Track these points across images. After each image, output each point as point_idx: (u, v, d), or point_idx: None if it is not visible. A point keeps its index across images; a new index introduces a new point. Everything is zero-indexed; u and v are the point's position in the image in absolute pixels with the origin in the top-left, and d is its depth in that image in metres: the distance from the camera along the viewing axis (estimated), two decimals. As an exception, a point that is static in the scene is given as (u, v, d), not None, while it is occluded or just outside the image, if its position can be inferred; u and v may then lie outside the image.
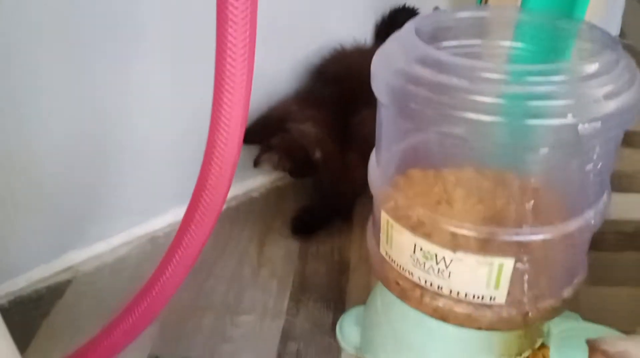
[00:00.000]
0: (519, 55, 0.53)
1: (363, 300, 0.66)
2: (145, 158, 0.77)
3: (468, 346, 0.50)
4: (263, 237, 0.80)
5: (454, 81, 0.40)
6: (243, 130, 0.46)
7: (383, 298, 0.56)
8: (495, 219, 0.43)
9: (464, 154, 0.46)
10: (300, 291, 0.71)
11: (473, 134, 0.40)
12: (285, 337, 0.64)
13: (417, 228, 0.45)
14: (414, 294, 0.48)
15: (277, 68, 0.85)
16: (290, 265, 0.75)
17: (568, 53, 0.53)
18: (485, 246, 0.42)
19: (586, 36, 0.48)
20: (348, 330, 0.63)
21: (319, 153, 0.75)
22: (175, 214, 0.84)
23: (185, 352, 0.62)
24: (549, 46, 0.53)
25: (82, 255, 0.77)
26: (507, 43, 0.54)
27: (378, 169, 0.51)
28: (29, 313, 0.69)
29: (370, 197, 0.52)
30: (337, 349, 0.63)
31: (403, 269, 0.48)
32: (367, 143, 0.77)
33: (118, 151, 0.74)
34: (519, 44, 0.53)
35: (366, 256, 0.75)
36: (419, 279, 0.47)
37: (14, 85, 0.61)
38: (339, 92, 0.77)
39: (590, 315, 0.57)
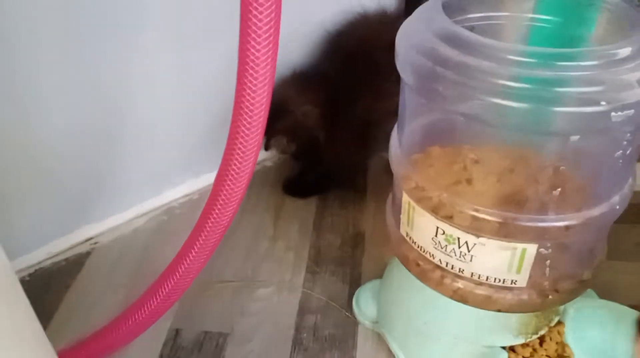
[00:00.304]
0: (542, 27, 0.52)
1: (378, 273, 0.67)
2: (156, 134, 0.76)
3: (485, 325, 0.51)
4: (278, 209, 0.80)
5: (482, 63, 0.38)
6: (271, 89, 0.45)
7: (400, 276, 0.57)
8: (518, 202, 0.43)
9: (486, 133, 0.45)
10: (316, 263, 0.72)
11: (499, 119, 0.39)
12: (303, 310, 0.65)
13: (437, 209, 0.45)
14: (433, 275, 0.48)
15: (285, 32, 0.82)
16: (305, 237, 0.76)
17: (592, 24, 0.51)
18: (509, 231, 0.42)
19: (609, 6, 0.46)
20: (364, 304, 0.64)
21: (322, 133, 0.74)
22: (189, 186, 0.84)
23: (205, 326, 0.64)
24: (573, 16, 0.51)
25: (100, 228, 0.78)
26: (531, 14, 0.52)
27: (399, 149, 0.50)
28: (50, 286, 0.70)
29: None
30: (354, 323, 0.64)
31: (424, 251, 0.48)
32: (364, 123, 0.76)
33: (128, 130, 0.72)
34: (543, 15, 0.51)
35: (380, 228, 0.76)
36: (440, 261, 0.47)
37: (17, 71, 0.60)
38: (343, 72, 0.75)
39: (603, 290, 0.57)
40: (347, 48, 0.77)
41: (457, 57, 0.40)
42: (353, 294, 0.66)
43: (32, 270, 0.72)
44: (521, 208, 0.42)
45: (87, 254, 0.74)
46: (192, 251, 0.50)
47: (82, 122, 0.68)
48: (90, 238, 0.76)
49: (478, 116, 0.40)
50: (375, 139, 0.76)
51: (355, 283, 0.68)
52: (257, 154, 0.46)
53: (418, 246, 0.48)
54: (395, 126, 0.52)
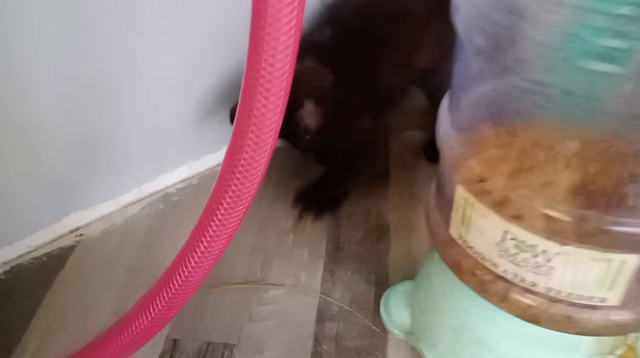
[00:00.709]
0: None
1: (409, 272, 0.58)
2: (153, 110, 0.66)
3: (552, 345, 0.42)
4: (288, 197, 0.71)
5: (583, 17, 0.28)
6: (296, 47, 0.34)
7: (442, 280, 0.48)
8: (618, 201, 0.33)
9: (557, 108, 0.35)
10: (335, 261, 0.62)
11: (586, 89, 0.30)
12: (322, 316, 0.56)
13: (502, 207, 0.36)
14: (495, 288, 0.39)
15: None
16: (321, 230, 0.66)
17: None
18: (605, 239, 0.32)
19: None
20: (395, 310, 0.54)
21: (313, 122, 0.63)
22: (188, 169, 0.74)
23: (208, 336, 0.54)
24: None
25: (88, 217, 0.68)
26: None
27: (451, 128, 0.40)
28: (29, 285, 0.61)
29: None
30: (383, 332, 0.55)
31: (484, 258, 0.38)
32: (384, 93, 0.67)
33: (122, 105, 0.63)
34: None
35: (408, 219, 0.66)
36: (505, 272, 0.37)
37: (8, 42, 0.51)
38: (356, 39, 0.64)
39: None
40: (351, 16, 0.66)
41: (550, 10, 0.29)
42: (380, 297, 0.56)
43: (7, 267, 0.62)
44: (623, 209, 0.32)
45: (72, 248, 0.65)
46: (193, 257, 0.40)
47: (71, 93, 0.58)
48: (76, 229, 0.67)
49: (569, 87, 0.30)
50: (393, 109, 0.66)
51: (381, 285, 0.59)
52: (279, 124, 0.36)
53: (476, 253, 0.39)
54: (445, 100, 0.42)
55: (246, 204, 0.39)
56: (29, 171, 0.60)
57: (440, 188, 0.43)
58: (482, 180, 0.37)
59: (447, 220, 0.41)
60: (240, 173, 0.37)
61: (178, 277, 0.41)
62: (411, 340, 0.53)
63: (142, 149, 0.69)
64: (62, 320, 0.57)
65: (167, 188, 0.73)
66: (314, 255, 0.63)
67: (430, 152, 0.76)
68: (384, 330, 0.55)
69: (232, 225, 0.39)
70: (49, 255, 0.64)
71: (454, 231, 0.41)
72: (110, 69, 0.60)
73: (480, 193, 0.36)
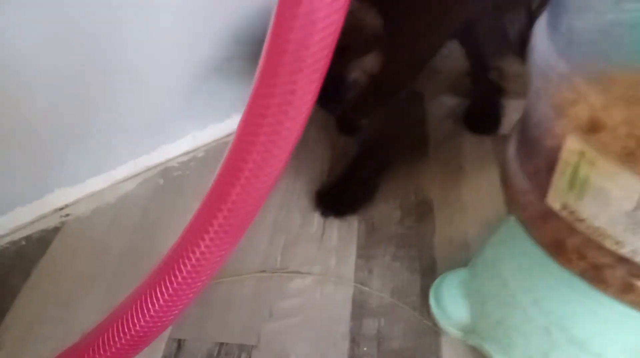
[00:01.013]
0: None
1: (459, 257, 0.48)
2: (151, 71, 0.56)
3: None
4: (313, 171, 0.60)
5: None
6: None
7: (521, 265, 0.37)
8: None
9: None
10: (370, 244, 0.52)
11: None
12: (359, 311, 0.46)
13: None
14: (615, 275, 0.29)
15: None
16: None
17: None
18: None
19: None
20: (450, 304, 0.44)
21: (363, 75, 0.52)
22: (193, 140, 0.64)
23: (219, 335, 0.44)
24: None
25: (75, 194, 0.58)
26: None
27: (553, 49, 0.30)
28: (3, 274, 0.51)
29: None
30: (434, 331, 0.44)
31: (602, 235, 0.28)
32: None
33: (115, 64, 0.54)
34: None
35: (453, 193, 0.56)
36: (635, 253, 0.27)
37: None
38: None
39: None
40: None
41: None
42: (427, 288, 0.46)
43: (-22, 253, 0.52)
44: None
45: (55, 230, 0.55)
46: (204, 238, 0.29)
47: (60, 52, 0.50)
48: (61, 208, 0.57)
49: None
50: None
51: (428, 273, 0.49)
52: (326, 66, 0.25)
53: (589, 228, 0.28)
54: (545, 16, 0.32)
55: (279, 166, 0.28)
56: (5, 138, 0.50)
57: (527, 145, 0.33)
58: (606, 127, 0.26)
59: (541, 187, 0.31)
60: (265, 138, 0.27)
61: (183, 264, 0.31)
62: (472, 339, 0.43)
63: (138, 116, 0.59)
64: (42, 317, 0.47)
65: (167, 161, 0.63)
66: (345, 238, 0.53)
67: (473, 120, 0.66)
68: (436, 329, 0.45)
69: (261, 190, 0.28)
70: (28, 239, 0.54)
71: (555, 200, 0.30)
72: (100, 22, 0.49)
73: (607, 143, 0.26)
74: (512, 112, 0.65)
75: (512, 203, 0.34)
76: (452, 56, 0.67)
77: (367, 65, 0.49)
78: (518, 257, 0.38)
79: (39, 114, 0.52)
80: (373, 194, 0.56)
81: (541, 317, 0.37)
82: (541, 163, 0.31)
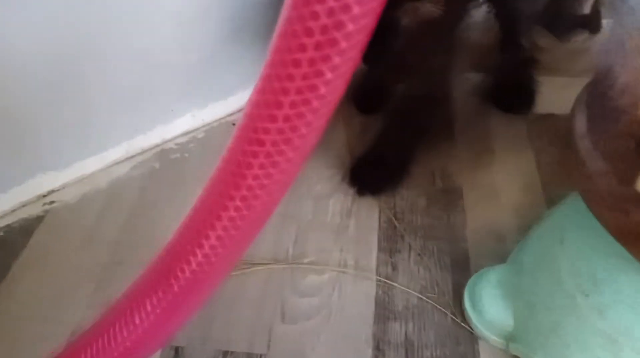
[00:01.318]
0: None
1: (495, 251, 0.43)
2: (147, 40, 0.50)
3: None
4: (327, 154, 0.54)
5: None
6: None
7: (580, 259, 0.32)
8: None
9: None
10: (393, 236, 0.46)
11: None
12: (383, 312, 0.40)
13: None
14: None
15: None
16: (374, 197, 0.50)
17: None
18: None
19: None
20: (488, 306, 0.39)
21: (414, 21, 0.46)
22: (192, 119, 0.58)
23: (223, 341, 0.39)
24: None
25: (61, 178, 0.52)
26: None
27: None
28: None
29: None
30: (471, 337, 0.39)
31: None
32: None
33: (107, 32, 0.48)
34: None
35: (484, 181, 0.50)
36: None
37: None
38: None
39: None
40: None
41: None
42: (460, 287, 0.41)
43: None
44: None
45: (39, 219, 0.49)
46: (222, 217, 0.23)
47: (47, 22, 0.43)
48: (45, 195, 0.51)
49: None
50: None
51: (460, 269, 0.43)
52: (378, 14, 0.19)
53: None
54: None
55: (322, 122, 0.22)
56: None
57: (605, 119, 0.27)
58: None
59: (625, 169, 0.25)
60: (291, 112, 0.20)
61: (194, 255, 0.24)
62: (516, 349, 0.37)
63: (132, 92, 0.53)
64: (24, 315, 0.41)
65: (164, 142, 0.57)
66: (364, 228, 0.47)
67: (503, 98, 0.59)
68: (472, 335, 0.39)
69: (300, 159, 0.22)
70: (7, 229, 0.49)
71: (647, 186, 0.24)
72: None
73: None
74: (546, 89, 0.59)
75: (584, 188, 0.28)
76: (477, 27, 0.61)
77: (423, 10, 0.43)
78: (580, 251, 0.32)
79: (18, 88, 0.45)
80: (409, 168, 0.51)
81: (606, 324, 0.31)
82: (625, 140, 0.25)
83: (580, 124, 0.29)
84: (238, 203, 0.23)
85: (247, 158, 0.22)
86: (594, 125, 0.28)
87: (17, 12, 0.41)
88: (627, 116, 0.25)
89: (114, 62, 0.49)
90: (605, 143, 0.27)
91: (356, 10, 0.17)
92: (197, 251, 0.24)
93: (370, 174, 0.51)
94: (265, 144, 0.21)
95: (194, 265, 0.23)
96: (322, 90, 0.19)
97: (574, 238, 0.33)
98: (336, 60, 0.18)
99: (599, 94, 0.28)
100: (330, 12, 0.17)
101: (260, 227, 0.25)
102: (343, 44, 0.18)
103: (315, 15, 0.17)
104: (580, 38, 0.68)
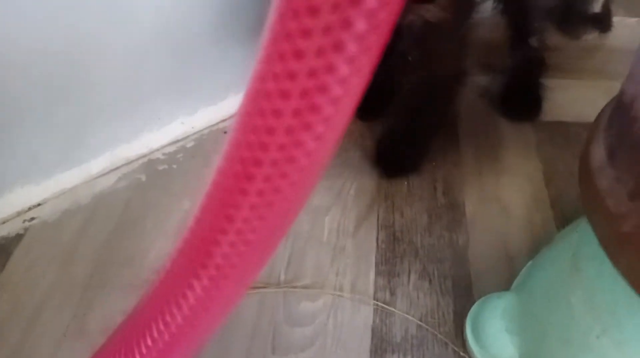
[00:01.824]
0: None
1: (501, 276, 0.40)
2: (129, 42, 0.47)
3: None
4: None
5: None
6: None
7: (596, 292, 0.29)
8: None
9: None
10: (392, 258, 0.44)
11: None
12: (380, 344, 0.38)
13: None
14: None
15: None
16: (370, 212, 0.47)
17: None
18: None
19: None
20: (492, 340, 0.36)
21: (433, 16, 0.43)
22: (182, 126, 0.55)
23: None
24: None
25: (42, 192, 0.49)
26: None
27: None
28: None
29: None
30: (475, 372, 0.36)
31: None
32: None
33: (87, 31, 0.44)
34: None
35: (490, 196, 0.47)
36: None
37: None
38: None
39: None
40: None
41: None
42: (463, 314, 0.38)
43: None
44: None
45: (18, 238, 0.46)
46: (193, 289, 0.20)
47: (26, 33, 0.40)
48: (25, 211, 0.48)
49: None
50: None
51: (463, 295, 0.41)
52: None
53: None
54: None
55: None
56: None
57: (633, 150, 0.24)
58: None
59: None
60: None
61: (190, 288, 0.21)
62: (524, 388, 0.34)
63: (115, 98, 0.49)
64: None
65: (151, 152, 0.53)
66: (362, 248, 0.44)
67: (510, 103, 0.56)
68: (476, 368, 0.36)
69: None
70: (-16, 247, 0.46)
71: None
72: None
73: None
74: (555, 93, 0.56)
75: (598, 230, 0.25)
76: (483, 25, 0.58)
77: (431, 13, 0.40)
78: (598, 282, 0.29)
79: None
80: (429, 149, 0.51)
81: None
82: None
83: (599, 154, 0.26)
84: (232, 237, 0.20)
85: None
86: (618, 156, 0.25)
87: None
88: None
89: (95, 65, 0.46)
90: (630, 178, 0.24)
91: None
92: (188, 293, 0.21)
93: (396, 155, 0.51)
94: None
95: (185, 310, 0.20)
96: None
97: (591, 267, 0.30)
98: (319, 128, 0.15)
99: (626, 119, 0.25)
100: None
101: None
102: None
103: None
104: (591, 36, 0.65)
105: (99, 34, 0.45)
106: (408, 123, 0.49)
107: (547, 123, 0.54)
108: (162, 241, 0.45)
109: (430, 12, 0.42)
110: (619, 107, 0.26)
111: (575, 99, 0.56)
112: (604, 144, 0.26)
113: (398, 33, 0.44)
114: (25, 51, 0.42)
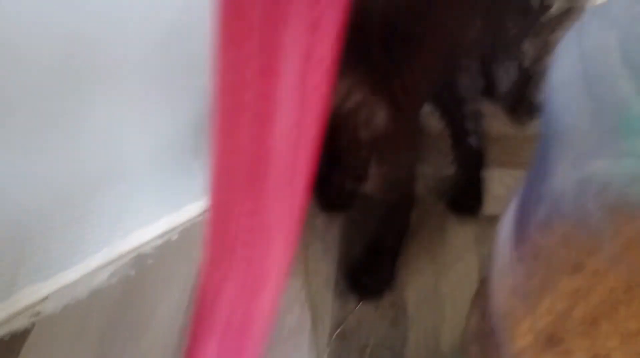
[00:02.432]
0: None
1: None
2: (115, 137, 0.53)
3: None
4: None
5: None
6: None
7: None
8: None
9: None
10: (342, 352, 0.51)
11: None
12: None
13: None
14: None
15: None
16: (324, 312, 0.54)
17: None
18: None
19: None
20: None
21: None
22: (168, 223, 0.62)
23: None
24: None
25: (46, 289, 0.57)
26: None
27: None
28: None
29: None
30: None
31: None
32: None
33: (82, 135, 0.52)
34: None
35: (430, 294, 0.54)
36: None
37: None
38: None
39: None
40: None
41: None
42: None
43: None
44: None
45: (26, 332, 0.54)
46: None
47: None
48: (31, 306, 0.56)
49: None
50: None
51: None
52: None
53: None
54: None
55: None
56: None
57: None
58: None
59: None
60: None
61: None
62: None
63: (108, 201, 0.57)
64: None
65: (140, 246, 0.61)
66: (315, 338, 0.51)
67: (455, 199, 0.62)
68: None
69: None
70: (-3, 344, 0.53)
71: None
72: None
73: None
74: (496, 185, 0.62)
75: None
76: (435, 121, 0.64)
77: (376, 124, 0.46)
78: None
79: (8, 209, 0.50)
80: (396, 266, 0.56)
81: None
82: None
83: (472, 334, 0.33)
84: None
85: None
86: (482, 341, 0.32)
87: None
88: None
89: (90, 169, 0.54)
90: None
91: None
92: None
93: (369, 278, 0.55)
94: None
95: None
96: None
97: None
98: None
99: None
100: None
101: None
102: None
103: None
104: (536, 124, 0.71)
105: (93, 137, 0.52)
106: (374, 248, 0.56)
107: (487, 217, 0.60)
108: (150, 335, 0.52)
109: (377, 123, 0.47)
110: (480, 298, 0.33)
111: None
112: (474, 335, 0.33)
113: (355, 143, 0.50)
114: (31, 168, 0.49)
